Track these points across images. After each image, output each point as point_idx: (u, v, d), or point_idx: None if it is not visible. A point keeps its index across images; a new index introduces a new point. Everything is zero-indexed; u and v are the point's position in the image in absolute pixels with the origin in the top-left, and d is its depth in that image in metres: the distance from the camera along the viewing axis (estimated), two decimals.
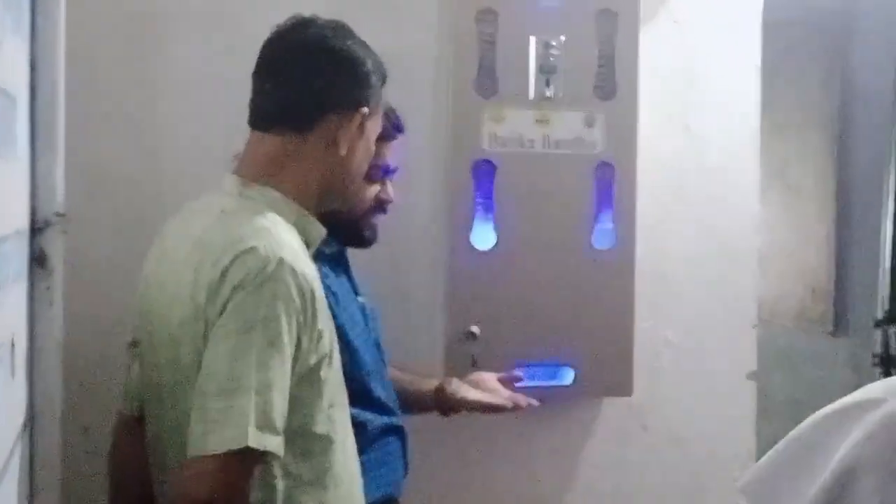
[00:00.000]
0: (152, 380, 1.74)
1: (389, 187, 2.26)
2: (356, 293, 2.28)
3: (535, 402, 2.38)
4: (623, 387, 2.79)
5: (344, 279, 2.26)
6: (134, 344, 1.84)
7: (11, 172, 1.58)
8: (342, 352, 2.05)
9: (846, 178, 4.74)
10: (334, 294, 2.12)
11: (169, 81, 2.53)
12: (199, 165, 2.33)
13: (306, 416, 1.65)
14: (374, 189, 2.21)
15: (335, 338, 1.73)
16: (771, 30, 3.09)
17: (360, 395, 2.11)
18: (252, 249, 1.57)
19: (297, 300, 1.57)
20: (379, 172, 2.20)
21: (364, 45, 1.80)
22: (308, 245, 1.75)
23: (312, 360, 1.63)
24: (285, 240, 1.63)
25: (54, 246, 1.77)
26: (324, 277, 2.12)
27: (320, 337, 1.64)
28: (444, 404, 2.39)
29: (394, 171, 2.26)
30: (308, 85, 1.73)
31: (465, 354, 2.59)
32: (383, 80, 1.82)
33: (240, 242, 1.59)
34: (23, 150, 1.69)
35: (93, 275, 2.37)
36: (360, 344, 2.16)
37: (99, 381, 2.31)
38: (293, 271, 1.57)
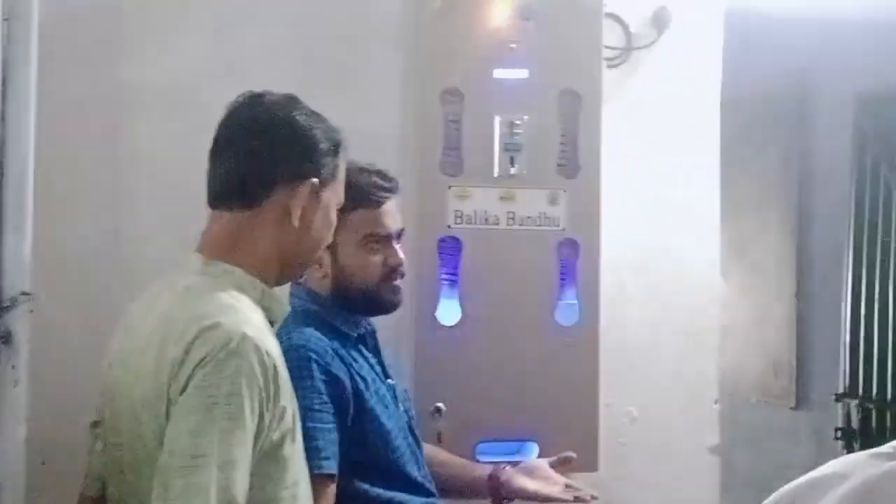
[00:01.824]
0: (114, 458, 1.73)
1: (396, 251, 2.23)
2: (386, 376, 2.28)
3: (594, 496, 2.39)
4: (588, 462, 2.78)
5: (374, 362, 2.27)
6: (95, 424, 1.82)
7: None
8: (375, 435, 2.10)
9: (805, 254, 4.81)
10: (363, 379, 2.15)
11: (133, 160, 2.55)
12: (163, 245, 2.34)
13: (270, 493, 1.63)
14: (376, 258, 2.20)
15: (297, 415, 1.72)
16: (728, 109, 3.16)
17: (396, 476, 2.15)
18: (216, 325, 1.57)
19: (260, 377, 1.57)
20: (374, 240, 2.20)
21: (314, 115, 1.80)
22: (272, 322, 1.76)
23: (275, 436, 1.62)
24: (249, 316, 1.64)
25: (20, 324, 1.77)
26: (351, 362, 2.15)
27: (283, 414, 1.63)
28: (499, 492, 2.39)
29: (391, 235, 2.23)
30: (254, 160, 1.74)
31: (432, 430, 2.59)
32: (336, 148, 1.81)
33: (203, 319, 1.59)
34: None
35: (57, 354, 2.35)
36: (393, 426, 2.17)
37: (62, 459, 2.28)
38: (256, 347, 1.57)
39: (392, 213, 2.24)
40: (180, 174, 2.48)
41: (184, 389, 1.55)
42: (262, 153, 1.74)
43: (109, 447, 1.75)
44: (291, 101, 1.80)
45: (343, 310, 2.23)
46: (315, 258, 1.90)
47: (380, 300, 2.24)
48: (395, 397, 2.27)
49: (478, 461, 2.60)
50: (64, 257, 2.43)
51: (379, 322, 2.63)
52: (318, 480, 1.91)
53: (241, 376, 1.54)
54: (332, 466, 2.00)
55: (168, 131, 2.56)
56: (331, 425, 2.03)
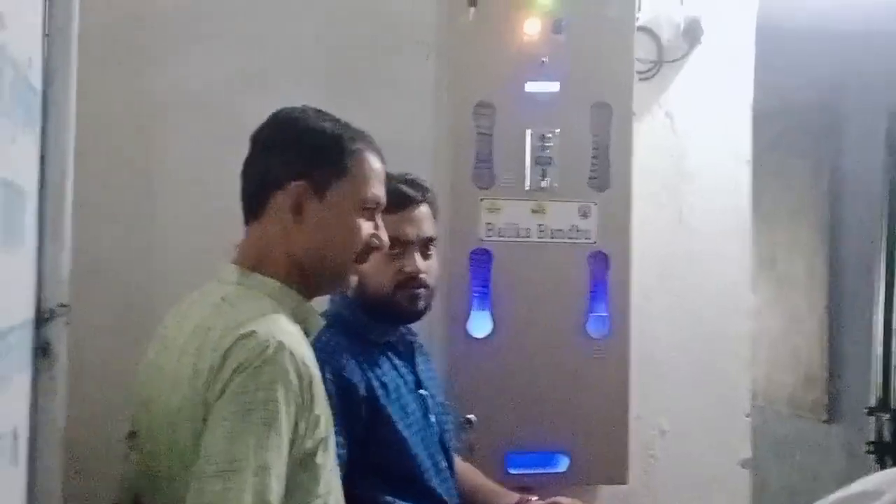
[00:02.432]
0: (150, 468, 1.74)
1: (414, 259, 2.21)
2: (420, 386, 2.28)
3: None
4: (618, 475, 2.79)
5: (405, 370, 2.26)
6: (131, 435, 1.84)
7: (19, 264, 1.61)
8: (390, 443, 2.09)
9: (836, 266, 4.79)
10: (384, 385, 2.15)
11: (166, 172, 2.59)
12: (196, 255, 2.35)
13: (300, 502, 1.64)
14: (393, 265, 2.19)
15: (331, 423, 1.74)
16: (760, 121, 3.16)
17: (409, 485, 2.14)
18: (252, 334, 1.59)
19: (296, 384, 1.58)
20: (391, 245, 2.11)
21: (320, 116, 1.79)
22: (307, 334, 1.77)
23: (309, 445, 1.63)
24: (284, 325, 1.65)
25: (58, 337, 1.78)
26: (371, 368, 2.15)
27: (317, 422, 1.65)
28: None
29: (411, 242, 2.21)
30: (252, 169, 1.78)
31: (463, 442, 2.60)
32: (339, 144, 1.76)
33: (240, 327, 1.60)
34: (30, 242, 1.71)
35: (93, 365, 2.38)
36: (412, 435, 2.16)
37: (98, 470, 2.30)
38: (292, 355, 1.59)
39: (415, 221, 2.23)
40: (212, 185, 2.51)
41: (220, 396, 1.56)
42: (261, 163, 1.77)
43: (146, 456, 1.76)
44: (301, 110, 1.80)
45: (366, 316, 2.23)
46: (349, 263, 1.81)
47: (396, 307, 2.22)
48: (426, 408, 2.27)
49: (508, 473, 2.65)
50: (98, 269, 2.46)
51: None
52: None
53: (276, 383, 1.56)
54: None
55: (199, 142, 2.58)
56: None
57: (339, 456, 1.90)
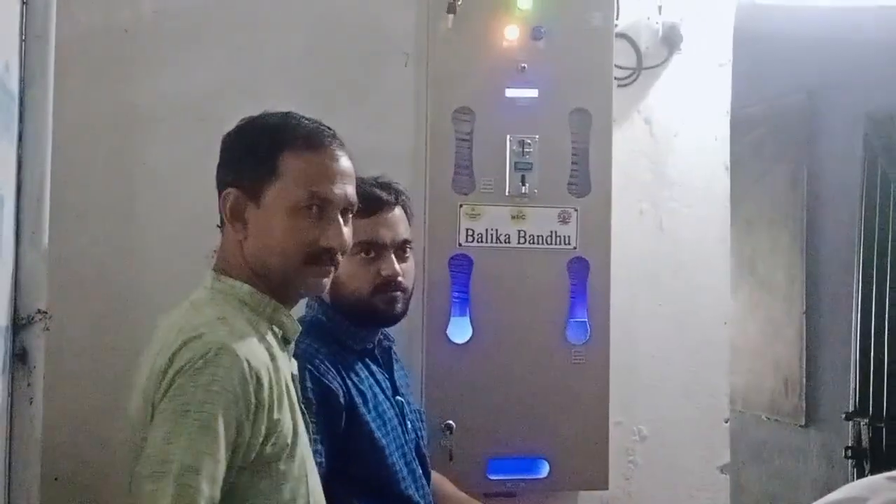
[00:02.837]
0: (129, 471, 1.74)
1: (391, 261, 2.21)
2: (396, 392, 2.28)
3: None
4: (599, 480, 2.79)
5: (382, 377, 2.26)
6: None
7: None
8: (367, 450, 2.08)
9: (815, 272, 4.81)
10: (361, 393, 2.14)
11: (146, 178, 2.57)
12: (175, 262, 2.36)
13: None
14: (369, 268, 2.19)
15: (301, 432, 1.72)
16: (739, 127, 3.17)
17: (386, 493, 2.14)
18: (199, 336, 1.59)
19: (238, 386, 1.56)
20: (367, 249, 2.18)
21: (265, 119, 1.77)
22: (286, 340, 1.77)
23: (268, 451, 1.62)
24: (239, 329, 1.64)
25: (36, 342, 1.78)
26: (349, 375, 2.14)
27: (276, 426, 1.63)
28: None
29: (386, 245, 2.20)
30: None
31: (443, 448, 2.60)
32: (273, 146, 1.73)
33: (191, 330, 1.61)
34: (7, 248, 1.71)
35: (71, 372, 2.37)
36: (390, 443, 2.16)
37: (74, 475, 2.30)
38: (236, 356, 1.57)
39: (390, 224, 2.22)
40: (192, 192, 2.49)
41: (163, 397, 1.56)
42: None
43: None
44: (258, 115, 1.79)
45: (345, 321, 2.22)
46: (298, 267, 1.74)
47: (373, 311, 2.21)
48: (403, 415, 2.27)
49: (488, 479, 2.66)
50: (76, 275, 2.45)
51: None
52: None
53: (214, 384, 1.55)
54: None
55: (180, 150, 2.57)
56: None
57: (318, 465, 1.88)
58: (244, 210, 1.72)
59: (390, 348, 2.34)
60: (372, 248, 2.19)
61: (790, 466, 4.87)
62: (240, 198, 1.72)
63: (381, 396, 2.22)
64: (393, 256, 2.22)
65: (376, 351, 2.30)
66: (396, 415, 2.24)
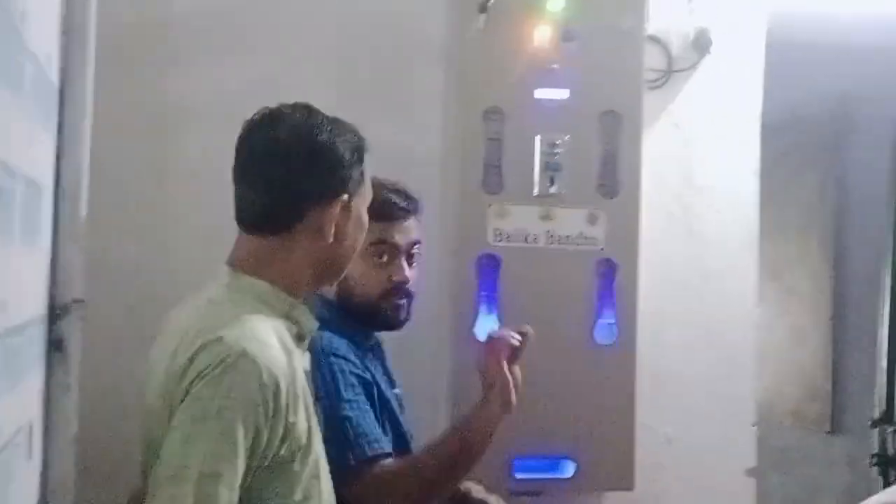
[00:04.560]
0: (145, 471, 1.75)
1: (402, 268, 2.23)
2: (392, 385, 2.31)
3: None
4: (624, 481, 2.79)
5: (383, 370, 2.30)
6: None
7: (34, 260, 1.62)
8: (395, 437, 2.14)
9: (842, 279, 4.79)
10: (378, 385, 2.18)
11: (179, 173, 2.60)
12: (208, 255, 2.35)
13: None
14: (380, 272, 2.21)
15: (315, 431, 1.73)
16: (768, 133, 3.17)
17: None
18: (219, 339, 1.58)
19: (257, 393, 1.56)
20: (380, 251, 2.20)
21: (333, 125, 1.76)
22: (302, 336, 1.77)
23: (284, 452, 1.62)
24: (259, 332, 1.63)
25: (72, 332, 1.79)
26: (369, 369, 2.19)
27: (292, 429, 1.63)
28: None
29: (399, 249, 2.23)
30: (282, 188, 1.72)
31: None
32: (359, 154, 1.77)
33: (210, 332, 1.60)
34: (45, 238, 1.73)
35: (106, 361, 2.39)
36: (393, 435, 2.19)
37: (110, 464, 2.32)
38: (255, 363, 1.57)
39: (404, 230, 2.24)
40: (224, 187, 2.51)
41: (182, 400, 1.57)
42: (289, 180, 1.71)
43: (144, 459, 1.76)
44: (310, 116, 1.76)
45: (350, 319, 2.24)
46: (348, 265, 1.85)
47: (379, 316, 2.24)
48: (401, 406, 2.31)
49: (514, 478, 2.68)
50: (113, 265, 2.48)
51: (415, 337, 2.67)
52: (367, 463, 1.99)
53: (234, 391, 1.55)
54: (379, 447, 2.04)
55: (213, 146, 2.58)
56: (368, 408, 2.08)
57: (385, 455, 2.03)
58: (347, 218, 1.76)
59: (380, 343, 2.36)
60: (385, 252, 2.21)
61: (814, 473, 4.85)
62: (345, 203, 1.75)
63: (387, 389, 2.26)
64: (404, 262, 2.24)
65: (376, 345, 2.33)
66: (398, 406, 2.28)
